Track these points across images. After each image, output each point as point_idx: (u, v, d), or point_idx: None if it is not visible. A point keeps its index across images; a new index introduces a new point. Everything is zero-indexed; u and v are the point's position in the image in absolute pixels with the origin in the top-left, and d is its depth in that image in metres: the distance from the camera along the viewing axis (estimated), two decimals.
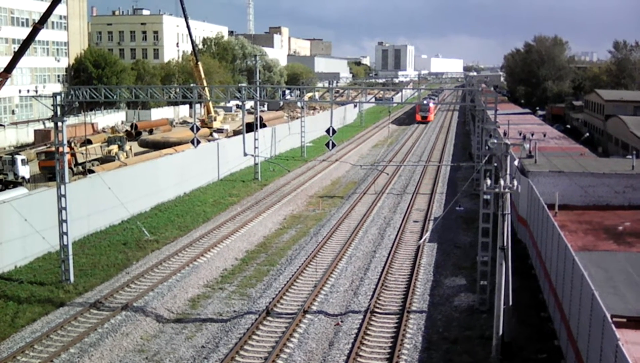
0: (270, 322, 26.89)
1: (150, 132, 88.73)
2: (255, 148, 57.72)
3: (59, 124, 30.10)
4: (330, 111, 75.93)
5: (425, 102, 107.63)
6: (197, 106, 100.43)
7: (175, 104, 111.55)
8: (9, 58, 64.08)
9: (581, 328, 19.13)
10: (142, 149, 73.55)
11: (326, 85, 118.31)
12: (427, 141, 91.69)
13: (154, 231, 39.80)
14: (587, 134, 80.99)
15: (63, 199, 30.47)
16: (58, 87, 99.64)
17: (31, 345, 24.17)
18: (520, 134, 55.43)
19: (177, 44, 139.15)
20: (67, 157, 32.10)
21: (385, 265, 33.96)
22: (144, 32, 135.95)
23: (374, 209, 47.00)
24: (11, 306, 27.91)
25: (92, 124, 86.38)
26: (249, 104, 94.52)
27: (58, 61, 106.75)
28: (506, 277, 22.21)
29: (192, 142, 57.64)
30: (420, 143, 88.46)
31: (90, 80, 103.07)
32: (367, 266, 34.23)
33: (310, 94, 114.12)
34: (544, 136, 56.70)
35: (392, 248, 37.03)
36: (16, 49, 65.62)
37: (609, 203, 35.84)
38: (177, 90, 36.74)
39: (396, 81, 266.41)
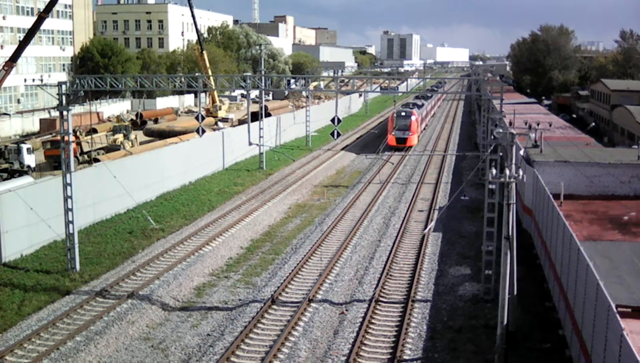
0: (276, 311, 26.97)
1: (156, 121, 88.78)
2: (260, 137, 57.70)
3: (65, 113, 30.13)
4: (335, 100, 75.79)
5: (403, 113, 71.31)
6: (202, 95, 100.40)
7: (181, 93, 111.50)
8: (14, 47, 64.16)
9: (586, 318, 19.15)
10: (147, 138, 73.57)
11: (331, 74, 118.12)
12: (432, 131, 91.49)
13: (160, 220, 39.89)
14: (593, 124, 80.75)
15: (69, 187, 30.55)
16: (63, 76, 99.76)
17: (37, 332, 24.31)
18: (526, 123, 55.25)
19: (182, 33, 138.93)
20: (73, 146, 32.10)
21: (390, 254, 34.00)
22: (149, 21, 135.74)
23: (379, 199, 47.00)
24: (17, 294, 28.06)
25: (98, 113, 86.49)
26: (254, 93, 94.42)
27: (63, 50, 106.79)
28: (511, 266, 22.21)
29: (197, 131, 57.55)
30: (425, 133, 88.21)
31: (95, 69, 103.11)
32: (372, 255, 34.28)
33: (315, 84, 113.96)
34: (550, 125, 56.50)
35: (397, 237, 37.05)
36: (21, 38, 65.70)
37: (615, 192, 35.76)
38: (182, 79, 36.74)
39: (402, 70, 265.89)
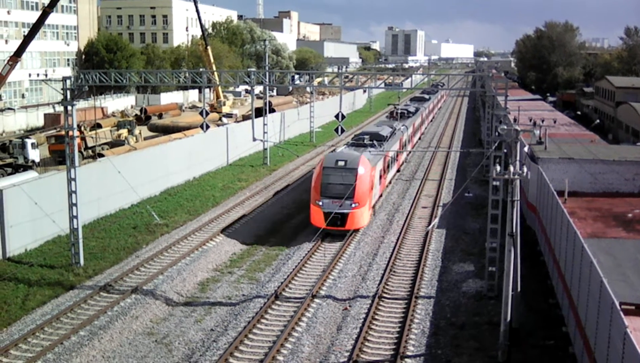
0: (279, 306, 27.00)
1: (160, 116, 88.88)
2: (264, 132, 57.71)
3: (69, 108, 30.16)
4: (339, 96, 75.76)
5: (341, 161, 36.92)
6: (207, 90, 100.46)
7: (185, 88, 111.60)
8: (18, 42, 64.26)
9: (589, 315, 19.13)
10: (151, 134, 73.73)
11: (335, 70, 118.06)
12: (437, 127, 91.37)
13: (164, 215, 39.95)
14: (598, 121, 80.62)
15: (73, 182, 30.59)
16: (68, 71, 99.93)
17: (41, 327, 24.38)
18: (530, 120, 55.14)
19: (187, 28, 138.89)
20: (77, 141, 32.17)
21: (393, 250, 34.00)
22: (154, 17, 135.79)
23: (383, 195, 46.95)
24: (22, 289, 28.14)
25: (102, 108, 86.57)
26: (258, 89, 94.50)
27: (68, 45, 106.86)
28: (515, 263, 22.21)
29: (202, 126, 57.64)
30: (429, 129, 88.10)
31: (100, 64, 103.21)
32: (375, 251, 34.28)
33: (319, 79, 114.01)
34: (554, 122, 56.41)
35: (400, 233, 37.04)
36: (26, 33, 65.81)
37: (619, 190, 35.69)
38: (187, 74, 36.76)
39: (406, 66, 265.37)
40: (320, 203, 35.95)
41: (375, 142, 42.92)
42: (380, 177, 41.85)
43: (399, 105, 69.22)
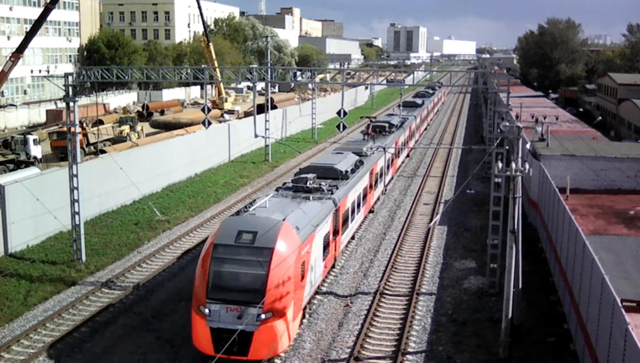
0: None
1: (162, 113, 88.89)
2: (266, 129, 57.69)
3: (71, 104, 30.17)
4: (341, 92, 75.65)
5: (247, 235, 21.54)
6: (208, 87, 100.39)
7: (187, 85, 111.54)
8: (21, 38, 64.31)
9: (591, 312, 19.13)
10: (153, 130, 73.75)
11: (337, 66, 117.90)
12: (439, 124, 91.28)
13: (165, 212, 39.97)
14: (600, 117, 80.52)
15: (75, 179, 30.60)
16: (70, 68, 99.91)
17: (43, 323, 24.42)
18: (532, 117, 55.16)
19: (189, 24, 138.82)
20: (79, 137, 32.16)
21: (395, 247, 33.99)
22: (156, 13, 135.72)
23: (385, 192, 46.91)
24: (23, 285, 28.18)
25: (104, 105, 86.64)
26: (260, 85, 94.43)
27: (70, 41, 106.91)
28: (516, 260, 22.20)
29: (203, 123, 57.52)
30: (431, 125, 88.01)
31: (102, 61, 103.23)
32: (377, 248, 34.27)
33: (321, 76, 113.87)
34: (557, 119, 56.41)
35: (402, 230, 37.03)
36: (28, 29, 65.87)
37: (621, 187, 35.71)
38: (189, 71, 36.68)
39: (408, 63, 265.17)
40: (207, 311, 20.88)
41: (324, 184, 28.88)
42: (326, 246, 26.88)
43: (376, 117, 53.93)
